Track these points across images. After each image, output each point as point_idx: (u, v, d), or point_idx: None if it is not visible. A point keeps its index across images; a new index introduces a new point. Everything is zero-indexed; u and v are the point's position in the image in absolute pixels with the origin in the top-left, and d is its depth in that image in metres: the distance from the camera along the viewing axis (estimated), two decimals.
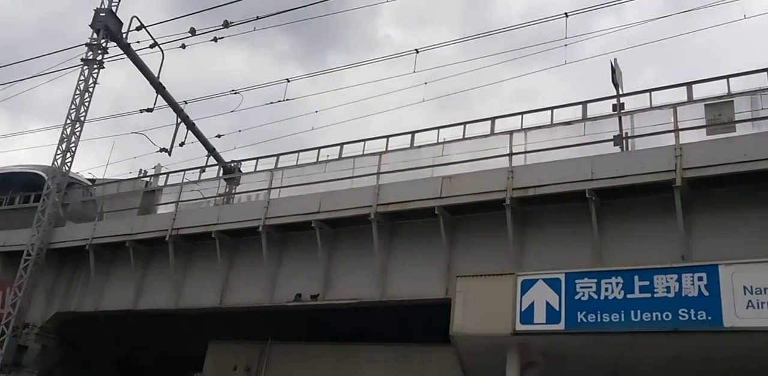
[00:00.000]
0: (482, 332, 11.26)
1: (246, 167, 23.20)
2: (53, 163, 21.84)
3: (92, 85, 22.92)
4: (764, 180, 11.73)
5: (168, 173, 22.52)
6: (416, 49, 21.09)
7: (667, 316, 9.83)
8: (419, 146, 17.10)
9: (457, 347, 12.04)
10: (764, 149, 11.63)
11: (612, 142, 14.19)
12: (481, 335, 11.32)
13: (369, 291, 15.26)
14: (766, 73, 13.64)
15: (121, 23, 23.75)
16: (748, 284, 9.52)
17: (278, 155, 20.07)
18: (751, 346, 9.97)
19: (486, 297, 11.49)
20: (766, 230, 11.90)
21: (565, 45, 18.89)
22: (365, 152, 17.87)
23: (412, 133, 17.79)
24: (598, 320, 10.31)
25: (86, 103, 22.68)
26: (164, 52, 24.40)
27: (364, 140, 18.67)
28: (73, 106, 22.51)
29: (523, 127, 15.79)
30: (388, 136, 18.10)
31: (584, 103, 15.64)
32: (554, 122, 15.53)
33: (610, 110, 15.31)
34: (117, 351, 22.21)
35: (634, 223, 13.15)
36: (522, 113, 16.45)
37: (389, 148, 17.46)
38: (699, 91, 14.23)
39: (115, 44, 23.69)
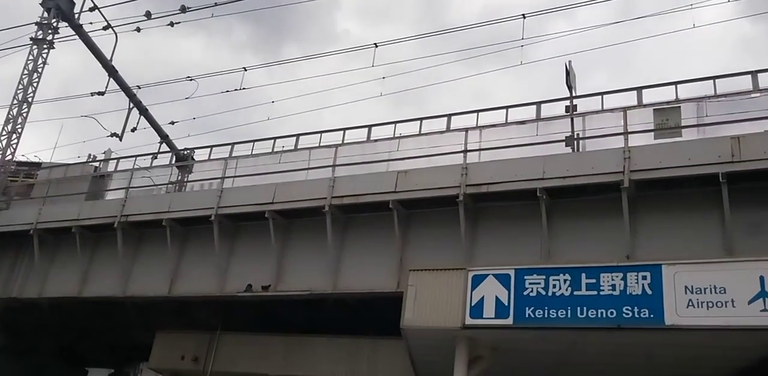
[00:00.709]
0: (432, 325, 11.40)
1: (199, 156, 23.04)
2: None
3: (41, 65, 22.44)
4: (707, 184, 12.21)
5: (118, 159, 22.18)
6: (375, 44, 21.25)
7: (611, 313, 10.13)
8: (375, 140, 17.24)
9: (407, 340, 12.21)
10: (707, 154, 12.10)
11: (564, 143, 14.56)
12: (431, 329, 11.46)
13: (321, 283, 15.32)
14: (712, 81, 14.20)
15: (73, 3, 23.21)
16: (689, 283, 9.87)
17: (233, 144, 19.98)
18: (690, 344, 10.41)
19: (437, 291, 11.64)
20: (708, 231, 12.43)
21: (522, 46, 19.26)
22: (321, 144, 17.91)
23: (369, 126, 17.93)
24: (546, 315, 10.55)
25: (34, 84, 22.19)
26: (118, 34, 23.97)
27: (321, 132, 18.75)
28: (21, 87, 21.97)
29: (478, 125, 16.06)
30: (344, 129, 18.20)
31: (538, 104, 16.04)
32: (508, 121, 15.86)
33: (563, 111, 15.73)
34: (61, 339, 21.77)
35: (583, 222, 13.52)
36: (477, 111, 16.76)
37: (345, 141, 17.54)
38: (648, 96, 14.74)
39: (67, 24, 23.13)
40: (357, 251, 15.48)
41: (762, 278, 9.60)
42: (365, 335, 16.22)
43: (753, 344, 10.22)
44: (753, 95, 13.60)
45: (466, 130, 15.04)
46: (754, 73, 13.83)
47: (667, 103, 14.17)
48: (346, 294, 15.38)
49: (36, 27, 22.76)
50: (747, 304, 9.53)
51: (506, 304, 10.92)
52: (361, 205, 15.20)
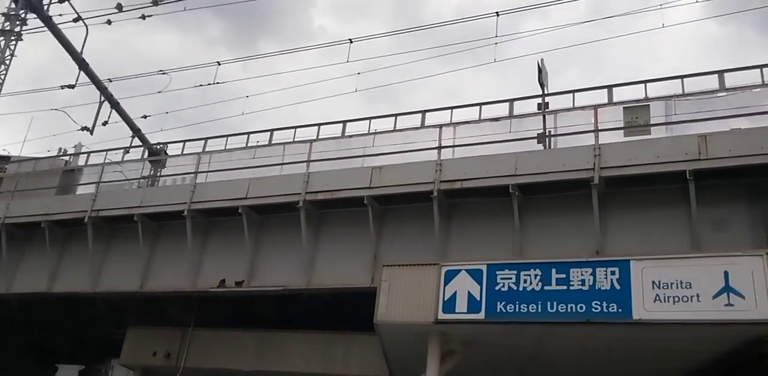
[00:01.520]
0: (405, 320, 11.50)
1: (173, 150, 22.83)
2: None
3: (9, 57, 22.08)
4: (674, 181, 12.45)
5: (89, 153, 21.93)
6: (350, 39, 21.31)
7: (581, 308, 10.32)
8: (350, 136, 17.28)
9: (381, 335, 12.32)
10: (675, 152, 12.33)
11: (536, 140, 14.75)
12: (404, 323, 11.55)
13: (295, 279, 15.32)
14: (680, 80, 14.47)
15: None
16: (656, 278, 10.10)
17: (206, 139, 19.91)
18: (657, 338, 10.64)
19: (410, 286, 11.75)
20: (675, 227, 12.68)
21: (496, 44, 19.44)
22: (296, 139, 17.89)
23: (344, 122, 17.97)
24: (517, 310, 10.71)
25: (2, 77, 21.88)
26: (88, 27, 23.65)
27: (295, 127, 18.74)
28: None
29: (452, 121, 16.17)
30: (319, 125, 18.21)
31: (511, 101, 16.20)
32: (482, 118, 16.00)
33: (535, 109, 15.91)
34: (30, 335, 21.52)
35: (554, 218, 13.70)
36: (452, 108, 16.89)
37: (320, 137, 17.53)
38: (618, 95, 14.98)
39: (36, 16, 22.78)
40: (331, 247, 15.51)
41: (726, 273, 9.84)
42: (339, 331, 16.25)
43: (718, 338, 10.48)
44: (719, 94, 13.88)
45: (440, 126, 15.13)
46: (720, 73, 14.13)
47: (637, 101, 14.42)
48: (320, 290, 15.41)
49: (2, 18, 22.40)
50: (712, 298, 9.77)
51: (478, 299, 11.06)
52: (335, 200, 15.20)
